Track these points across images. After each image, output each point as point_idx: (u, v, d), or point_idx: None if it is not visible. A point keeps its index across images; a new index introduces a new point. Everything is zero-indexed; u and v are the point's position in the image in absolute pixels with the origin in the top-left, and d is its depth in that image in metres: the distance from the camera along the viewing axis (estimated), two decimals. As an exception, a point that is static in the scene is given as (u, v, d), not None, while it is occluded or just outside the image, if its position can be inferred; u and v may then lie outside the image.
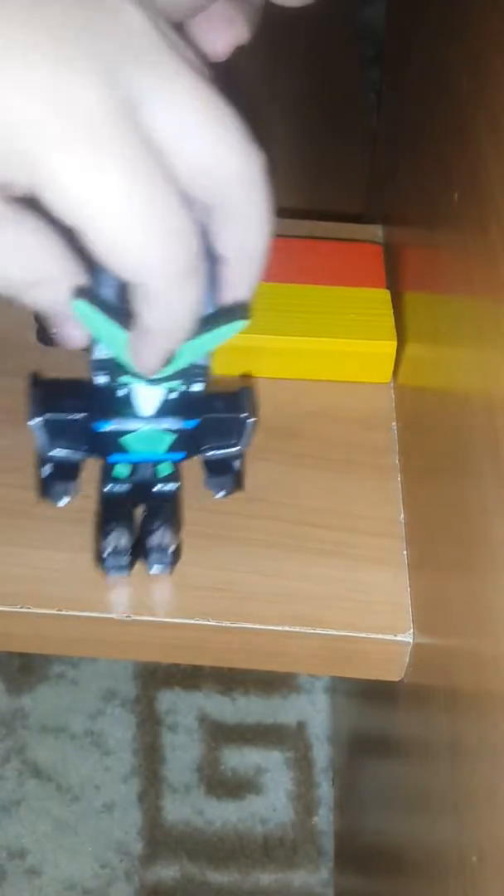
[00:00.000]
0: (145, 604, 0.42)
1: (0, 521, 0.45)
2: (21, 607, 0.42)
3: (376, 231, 0.62)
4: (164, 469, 0.41)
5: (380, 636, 0.42)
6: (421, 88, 0.51)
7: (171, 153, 0.25)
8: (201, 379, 0.36)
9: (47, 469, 0.42)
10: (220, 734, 0.94)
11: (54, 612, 0.42)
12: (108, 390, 0.35)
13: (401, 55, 0.60)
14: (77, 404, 0.38)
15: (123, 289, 0.30)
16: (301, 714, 0.96)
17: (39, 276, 0.28)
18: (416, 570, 0.44)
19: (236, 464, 0.43)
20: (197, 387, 0.36)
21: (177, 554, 0.43)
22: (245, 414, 0.40)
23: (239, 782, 0.92)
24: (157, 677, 0.97)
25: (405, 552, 0.45)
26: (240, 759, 0.93)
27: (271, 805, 0.91)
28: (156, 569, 0.43)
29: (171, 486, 0.42)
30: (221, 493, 0.44)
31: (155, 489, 0.42)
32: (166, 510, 0.42)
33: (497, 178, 0.34)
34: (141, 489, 0.42)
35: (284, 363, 0.52)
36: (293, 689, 0.97)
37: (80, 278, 0.29)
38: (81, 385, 0.38)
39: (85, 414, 0.38)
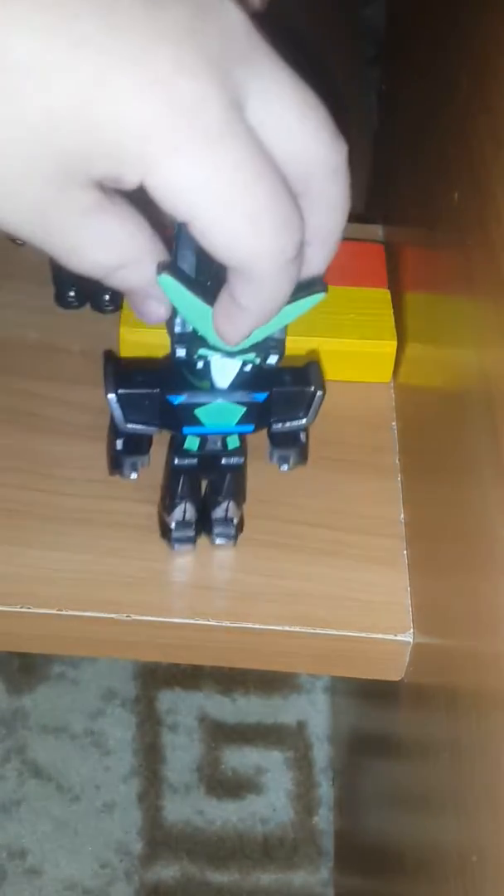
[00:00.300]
0: (145, 603, 0.42)
1: (0, 521, 0.45)
2: (21, 607, 0.42)
3: (376, 231, 0.62)
4: (233, 442, 0.42)
5: (380, 636, 0.42)
6: (421, 88, 0.51)
7: (270, 145, 0.26)
8: (277, 352, 0.36)
9: (119, 444, 0.43)
10: (221, 734, 0.94)
11: (54, 611, 0.42)
12: (186, 363, 0.36)
13: (401, 55, 0.60)
14: (149, 379, 0.39)
15: (201, 264, 0.32)
16: (301, 714, 0.96)
17: (129, 259, 0.29)
18: (417, 569, 0.44)
19: (302, 436, 0.44)
20: (272, 359, 0.36)
21: (240, 527, 0.44)
22: (313, 387, 0.41)
23: (239, 782, 0.92)
24: (157, 677, 0.97)
25: (405, 552, 0.45)
26: (240, 758, 0.93)
27: (271, 805, 0.91)
28: (220, 540, 0.44)
29: (237, 459, 0.42)
30: (285, 466, 0.44)
31: (223, 461, 0.42)
32: (232, 483, 0.43)
33: (497, 178, 0.34)
34: (208, 462, 0.42)
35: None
36: (293, 688, 0.97)
37: (163, 257, 0.30)
38: (152, 362, 0.40)
39: (158, 389, 0.39)
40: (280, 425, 0.41)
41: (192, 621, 0.42)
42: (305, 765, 0.93)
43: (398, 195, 0.57)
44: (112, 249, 0.28)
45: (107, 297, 0.56)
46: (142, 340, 0.51)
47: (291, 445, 0.43)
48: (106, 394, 0.39)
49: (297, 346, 0.51)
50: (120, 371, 0.40)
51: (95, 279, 0.29)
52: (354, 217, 0.69)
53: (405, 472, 0.48)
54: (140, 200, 0.27)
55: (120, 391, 0.39)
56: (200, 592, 0.43)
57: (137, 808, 0.90)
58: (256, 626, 0.42)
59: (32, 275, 0.58)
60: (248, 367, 0.37)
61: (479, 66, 0.38)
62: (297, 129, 0.27)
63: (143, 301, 0.32)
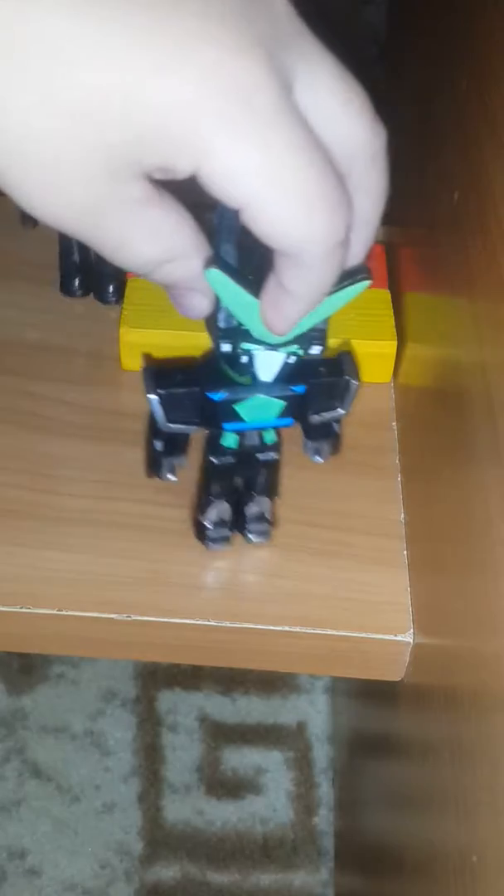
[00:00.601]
0: (145, 604, 0.42)
1: (0, 521, 0.45)
2: (21, 607, 0.42)
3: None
4: (270, 437, 0.42)
5: (380, 636, 0.42)
6: (421, 88, 0.51)
7: (316, 128, 0.27)
8: (319, 342, 0.36)
9: (159, 445, 0.43)
10: (221, 734, 0.94)
11: (54, 611, 0.42)
12: (231, 358, 0.37)
13: (401, 55, 0.60)
14: (188, 378, 0.40)
15: (241, 258, 0.32)
16: (301, 714, 0.96)
17: (175, 254, 0.29)
18: (417, 570, 0.44)
19: (335, 427, 0.44)
20: (315, 350, 0.36)
21: (273, 523, 0.44)
22: (348, 377, 0.41)
23: (239, 782, 0.92)
24: (157, 677, 0.97)
25: (405, 552, 0.45)
26: (240, 759, 0.93)
27: (271, 805, 0.91)
28: (255, 538, 0.44)
29: (274, 455, 0.43)
30: (319, 458, 0.44)
31: (260, 457, 0.42)
32: (268, 479, 0.43)
33: (497, 178, 0.34)
34: (244, 459, 0.42)
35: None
36: (293, 689, 0.97)
37: (207, 251, 0.30)
38: (189, 361, 0.40)
39: (198, 387, 0.39)
40: (318, 416, 0.41)
41: (192, 621, 0.42)
42: (305, 765, 0.93)
43: (398, 195, 0.57)
44: (160, 243, 0.28)
45: (111, 287, 0.57)
46: (141, 341, 0.51)
47: (325, 437, 0.44)
48: (147, 394, 0.39)
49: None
50: (159, 371, 0.40)
51: (139, 273, 0.29)
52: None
53: (405, 472, 0.48)
54: (178, 194, 0.28)
55: (161, 391, 0.39)
56: (200, 592, 0.43)
57: (137, 809, 0.90)
58: (256, 627, 0.42)
59: (33, 275, 0.58)
60: (292, 360, 0.37)
61: (479, 66, 0.38)
62: (340, 113, 0.27)
63: (186, 296, 0.32)
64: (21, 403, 0.51)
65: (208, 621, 0.42)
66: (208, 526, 0.43)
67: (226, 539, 0.44)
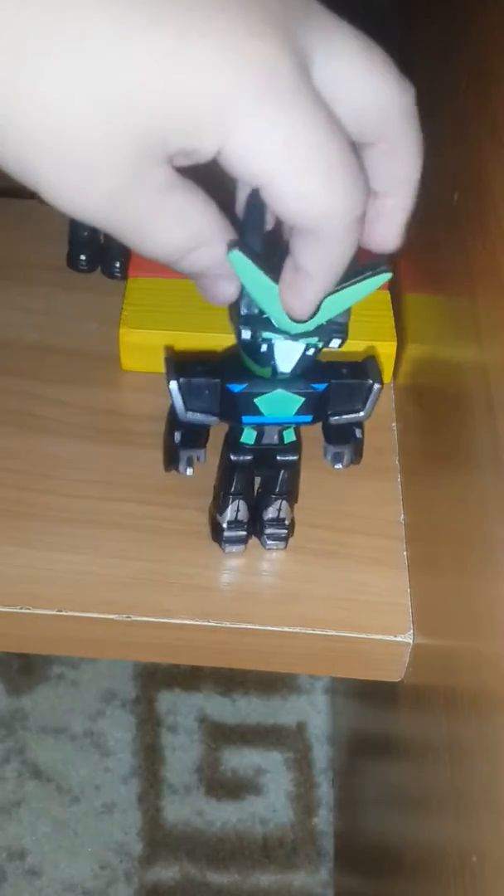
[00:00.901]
0: (144, 604, 0.42)
1: (0, 521, 0.45)
2: (21, 608, 0.42)
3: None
4: (289, 436, 0.42)
5: (380, 637, 0.42)
6: (421, 89, 0.51)
7: (338, 101, 0.27)
8: (340, 336, 0.36)
9: (177, 436, 0.43)
10: (220, 735, 0.94)
11: (54, 612, 0.42)
12: (250, 346, 0.37)
13: (401, 56, 0.60)
14: (210, 369, 0.40)
15: (266, 247, 0.32)
16: (301, 715, 0.96)
17: (201, 241, 0.29)
18: (417, 570, 0.44)
19: (357, 432, 0.44)
20: (335, 343, 0.36)
21: (291, 528, 0.44)
22: (371, 380, 0.41)
23: (239, 783, 0.91)
24: (156, 678, 0.97)
25: (405, 553, 0.45)
26: (240, 759, 0.93)
27: (271, 806, 0.91)
28: (272, 543, 0.44)
29: (293, 456, 0.42)
30: (339, 465, 0.44)
31: (278, 458, 0.42)
32: (287, 481, 0.43)
33: (497, 178, 0.34)
34: (263, 458, 0.42)
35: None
36: (293, 689, 0.97)
37: (230, 231, 0.30)
38: (212, 356, 0.40)
39: (218, 378, 0.39)
40: (337, 418, 0.41)
41: (191, 622, 0.42)
42: (305, 766, 0.93)
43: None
44: (187, 230, 0.28)
45: (117, 263, 0.57)
46: (141, 341, 0.51)
47: (346, 442, 0.43)
48: (168, 381, 0.39)
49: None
50: (181, 361, 0.40)
51: (166, 262, 0.29)
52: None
53: (405, 472, 0.48)
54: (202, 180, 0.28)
55: (181, 379, 0.39)
56: (200, 593, 0.43)
57: (137, 809, 0.90)
58: (256, 627, 0.42)
59: (33, 276, 0.58)
60: (311, 352, 0.37)
61: (479, 66, 0.38)
62: (367, 78, 0.27)
63: (213, 283, 0.32)
64: (21, 404, 0.51)
65: (208, 622, 0.42)
66: (224, 526, 0.43)
67: (241, 540, 0.44)
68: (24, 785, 0.90)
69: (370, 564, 0.45)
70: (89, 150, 0.25)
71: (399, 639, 0.42)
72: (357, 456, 0.45)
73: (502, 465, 0.31)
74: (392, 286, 0.55)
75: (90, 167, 0.25)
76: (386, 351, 0.52)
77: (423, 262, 0.49)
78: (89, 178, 0.26)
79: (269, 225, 0.33)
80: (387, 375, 0.53)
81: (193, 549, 0.44)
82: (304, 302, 0.32)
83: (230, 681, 0.97)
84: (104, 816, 0.89)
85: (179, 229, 0.28)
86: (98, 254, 0.58)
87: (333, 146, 0.26)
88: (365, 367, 0.41)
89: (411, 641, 0.42)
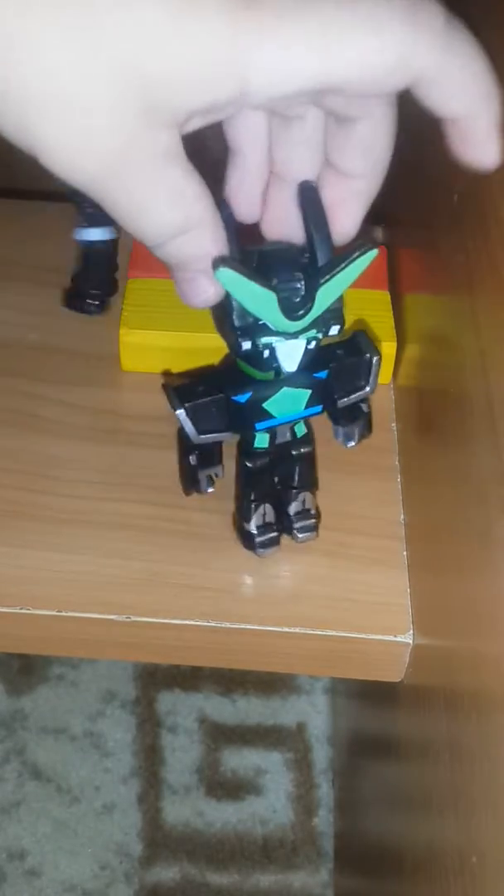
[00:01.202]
0: (144, 605, 0.42)
1: (0, 521, 0.45)
2: (21, 608, 0.42)
3: (376, 232, 0.62)
4: (301, 429, 0.41)
5: (380, 637, 0.42)
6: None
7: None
8: (337, 322, 0.36)
9: (193, 459, 0.43)
10: (220, 735, 0.94)
11: (54, 612, 0.42)
12: (252, 355, 0.36)
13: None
14: (210, 386, 0.39)
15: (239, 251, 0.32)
16: (301, 715, 0.96)
17: (191, 224, 0.29)
18: (417, 570, 0.44)
19: (364, 407, 0.43)
20: (334, 330, 0.36)
21: (318, 516, 0.44)
22: (369, 354, 0.41)
23: (239, 784, 0.91)
24: (156, 678, 0.97)
25: (405, 553, 0.45)
26: (239, 760, 0.93)
27: (271, 806, 0.91)
28: (304, 535, 0.44)
29: (307, 448, 0.42)
30: (352, 443, 0.44)
31: (293, 452, 0.42)
32: (305, 472, 0.43)
33: (497, 179, 0.34)
34: (279, 457, 0.42)
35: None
36: (293, 690, 0.97)
37: (222, 232, 0.30)
38: (208, 371, 0.40)
39: (222, 393, 0.39)
40: (346, 399, 0.41)
41: (191, 622, 0.42)
42: (305, 766, 0.93)
43: (398, 197, 0.57)
44: (181, 208, 0.28)
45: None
46: (141, 341, 0.51)
47: (355, 420, 0.43)
48: (174, 410, 0.39)
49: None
50: (180, 386, 0.40)
51: (150, 243, 0.29)
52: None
53: (405, 473, 0.48)
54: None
55: (188, 404, 0.39)
56: (200, 593, 0.43)
57: (137, 810, 0.90)
58: (256, 628, 0.42)
59: (33, 277, 0.58)
60: (312, 345, 0.36)
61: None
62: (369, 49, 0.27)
63: (193, 279, 0.31)
64: (21, 404, 0.51)
65: (208, 622, 0.42)
66: (255, 532, 0.43)
67: (275, 541, 0.44)
68: (24, 785, 0.90)
69: (370, 564, 0.45)
70: (94, 109, 0.24)
71: (399, 639, 0.42)
72: (367, 430, 0.44)
73: (502, 466, 0.31)
74: (392, 287, 0.55)
75: (92, 128, 0.25)
76: (386, 351, 0.52)
77: (424, 262, 0.49)
78: (90, 140, 0.25)
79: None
80: (387, 376, 0.53)
81: (193, 549, 0.44)
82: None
83: (230, 681, 0.97)
84: (104, 817, 0.89)
85: (172, 206, 0.28)
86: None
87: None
88: (358, 343, 0.41)
89: (411, 641, 0.42)
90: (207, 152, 0.29)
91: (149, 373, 0.51)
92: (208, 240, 0.29)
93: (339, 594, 0.43)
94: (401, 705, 0.47)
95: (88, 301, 0.55)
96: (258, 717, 0.95)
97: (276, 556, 0.44)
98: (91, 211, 0.53)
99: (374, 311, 0.53)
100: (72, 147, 0.25)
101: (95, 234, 0.54)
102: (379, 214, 0.65)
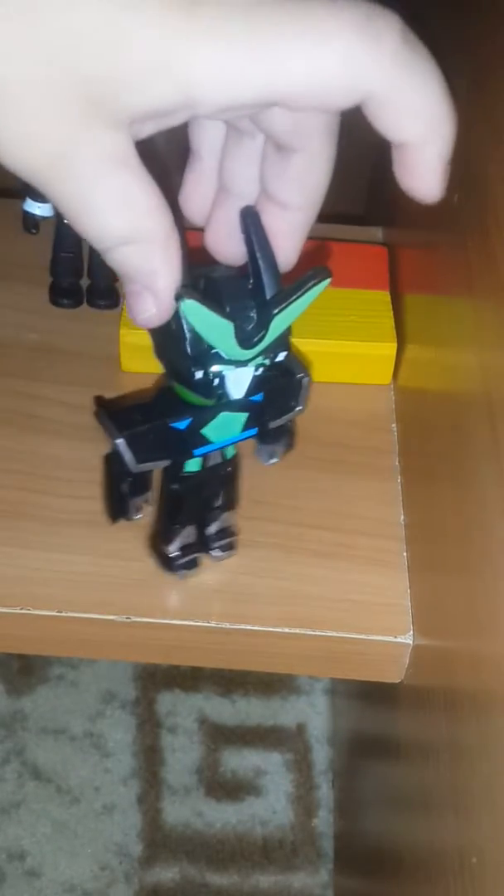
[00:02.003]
0: (144, 605, 0.42)
1: (0, 521, 0.45)
2: (21, 609, 0.42)
3: (376, 233, 0.62)
4: (231, 451, 0.41)
5: (380, 638, 0.42)
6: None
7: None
8: (284, 348, 0.36)
9: (125, 487, 0.41)
10: (220, 736, 0.94)
11: (54, 613, 0.42)
12: (203, 383, 0.36)
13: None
14: (148, 413, 0.38)
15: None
16: (301, 716, 0.96)
17: (139, 235, 0.28)
18: (416, 571, 0.44)
19: (288, 424, 0.43)
20: (281, 356, 0.36)
21: (235, 533, 0.44)
22: (300, 374, 0.40)
23: (238, 784, 0.91)
24: (156, 679, 0.97)
25: (405, 554, 0.45)
26: (239, 761, 0.93)
27: (271, 807, 0.91)
28: (222, 555, 0.43)
29: (232, 468, 0.42)
30: (274, 460, 0.43)
31: (222, 472, 0.42)
32: (230, 493, 0.43)
33: (497, 180, 0.34)
34: (207, 479, 0.41)
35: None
36: (293, 690, 0.97)
37: (177, 252, 0.29)
38: (142, 397, 0.39)
39: (160, 420, 0.38)
40: (279, 420, 0.40)
41: (191, 623, 0.42)
42: (305, 767, 0.93)
43: (398, 198, 0.57)
44: (126, 216, 0.27)
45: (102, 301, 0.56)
46: (141, 342, 0.51)
47: (280, 438, 0.42)
48: (113, 439, 0.37)
49: (297, 347, 0.51)
50: (115, 412, 0.38)
51: (96, 246, 0.28)
52: (355, 219, 0.69)
53: (405, 474, 0.48)
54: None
55: (126, 432, 0.37)
56: (200, 594, 0.43)
57: (137, 811, 0.90)
58: (256, 628, 0.42)
59: (32, 277, 0.58)
60: (260, 371, 0.36)
61: (479, 69, 0.38)
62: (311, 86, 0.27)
63: (138, 295, 0.30)
64: (21, 405, 0.51)
65: (208, 623, 0.42)
66: (176, 555, 0.42)
67: (193, 563, 0.43)
68: (24, 786, 0.90)
69: (370, 565, 0.45)
70: (36, 108, 0.24)
71: (399, 640, 0.42)
72: (291, 446, 0.43)
73: (502, 466, 0.31)
74: (392, 288, 0.55)
75: (34, 127, 0.24)
76: (386, 352, 0.52)
77: (423, 262, 0.49)
78: (32, 138, 0.25)
79: None
80: (387, 376, 0.53)
81: (193, 549, 0.44)
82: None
83: (230, 682, 0.97)
84: (104, 817, 0.89)
85: (116, 213, 0.27)
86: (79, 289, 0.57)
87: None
88: (288, 364, 0.39)
89: (411, 642, 0.42)
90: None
91: (149, 373, 0.51)
92: (158, 257, 0.28)
93: (340, 595, 0.43)
94: (401, 706, 0.47)
95: (59, 297, 0.56)
96: (258, 717, 0.95)
97: (275, 557, 0.44)
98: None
99: (374, 311, 0.53)
100: (15, 144, 0.25)
101: (41, 210, 0.53)
102: (379, 214, 0.65)
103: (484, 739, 0.30)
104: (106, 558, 0.44)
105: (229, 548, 0.44)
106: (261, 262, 0.33)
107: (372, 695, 0.61)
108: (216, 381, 0.35)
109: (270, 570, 0.44)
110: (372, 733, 0.64)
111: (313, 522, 0.46)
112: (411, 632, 0.42)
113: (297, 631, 0.42)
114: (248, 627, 0.42)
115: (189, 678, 0.97)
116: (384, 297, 0.54)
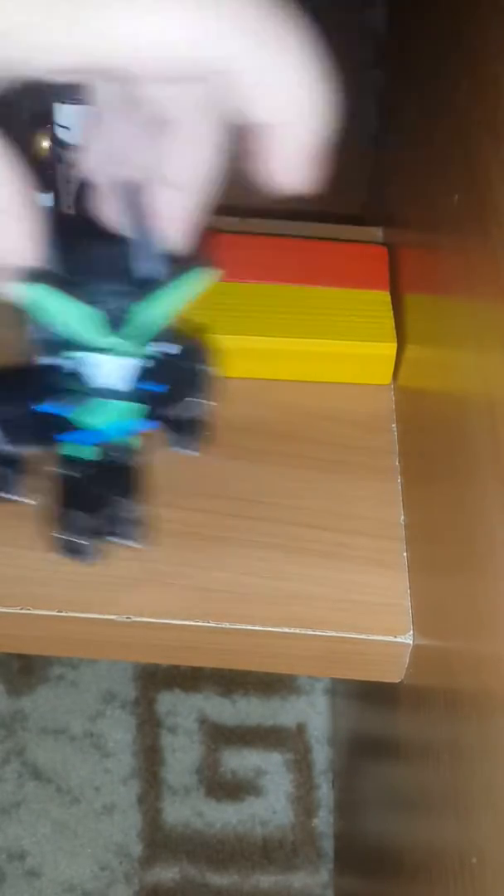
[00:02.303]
0: (144, 605, 0.42)
1: (1, 521, 0.45)
2: (21, 608, 0.42)
3: (376, 233, 0.62)
4: (136, 443, 0.40)
5: (380, 638, 0.42)
6: (421, 91, 0.51)
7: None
8: (185, 341, 0.35)
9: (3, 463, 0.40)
10: (220, 736, 0.94)
11: (54, 613, 0.42)
12: (54, 370, 0.34)
13: (401, 58, 0.60)
14: (15, 394, 0.37)
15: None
16: (301, 716, 0.96)
17: None
18: (416, 571, 0.44)
19: (199, 417, 0.41)
20: (174, 349, 0.35)
21: (141, 521, 0.42)
22: (203, 365, 0.39)
23: (239, 784, 0.91)
24: (156, 679, 0.97)
25: (405, 554, 0.45)
26: (239, 761, 0.93)
27: (271, 807, 0.91)
28: (120, 540, 0.42)
29: (132, 458, 0.40)
30: (192, 452, 0.42)
31: (120, 463, 0.40)
32: (130, 482, 0.41)
33: (497, 180, 0.34)
34: (107, 467, 0.40)
35: (284, 365, 0.52)
36: (293, 690, 0.97)
37: (28, 228, 0.27)
38: (14, 372, 0.37)
39: (26, 404, 0.36)
40: (183, 412, 0.39)
41: (191, 623, 0.42)
42: (305, 767, 0.93)
43: (398, 198, 0.57)
44: None
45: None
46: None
47: (193, 429, 0.41)
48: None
49: (297, 348, 0.51)
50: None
51: None
52: (354, 220, 0.69)
53: (405, 474, 0.48)
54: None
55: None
56: (200, 594, 0.43)
57: (137, 811, 0.90)
58: (256, 628, 0.42)
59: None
60: (135, 361, 0.34)
61: (479, 69, 0.38)
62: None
63: None
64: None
65: (208, 623, 0.42)
66: (71, 540, 0.41)
67: (90, 550, 0.41)
68: (24, 786, 0.90)
69: (370, 565, 0.45)
70: None
71: (399, 640, 0.42)
72: (204, 435, 0.42)
73: (502, 467, 0.31)
74: (392, 288, 0.55)
75: None
76: (386, 352, 0.52)
77: (423, 263, 0.49)
78: None
79: None
80: (387, 377, 0.53)
81: (193, 549, 0.44)
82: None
83: (230, 682, 0.97)
84: (104, 817, 0.89)
85: None
86: None
87: None
88: (193, 354, 0.39)
89: (411, 642, 0.42)
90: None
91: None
92: (11, 231, 0.27)
93: (340, 595, 0.43)
94: (401, 706, 0.47)
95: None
96: (258, 717, 0.95)
97: (275, 557, 0.44)
98: None
99: (374, 311, 0.53)
100: None
101: None
102: (379, 214, 0.65)
103: (484, 739, 0.30)
104: (106, 558, 0.44)
105: (128, 536, 0.42)
106: (132, 242, 0.30)
107: (372, 695, 0.61)
108: (70, 367, 0.33)
109: (270, 569, 0.44)
110: (372, 733, 0.64)
111: (313, 522, 0.46)
112: (411, 632, 0.42)
113: (298, 631, 0.42)
114: (248, 627, 0.42)
115: (189, 678, 0.97)
116: (384, 297, 0.54)
